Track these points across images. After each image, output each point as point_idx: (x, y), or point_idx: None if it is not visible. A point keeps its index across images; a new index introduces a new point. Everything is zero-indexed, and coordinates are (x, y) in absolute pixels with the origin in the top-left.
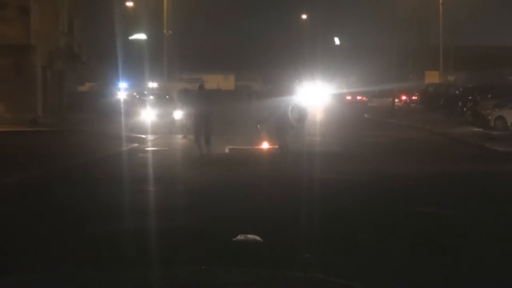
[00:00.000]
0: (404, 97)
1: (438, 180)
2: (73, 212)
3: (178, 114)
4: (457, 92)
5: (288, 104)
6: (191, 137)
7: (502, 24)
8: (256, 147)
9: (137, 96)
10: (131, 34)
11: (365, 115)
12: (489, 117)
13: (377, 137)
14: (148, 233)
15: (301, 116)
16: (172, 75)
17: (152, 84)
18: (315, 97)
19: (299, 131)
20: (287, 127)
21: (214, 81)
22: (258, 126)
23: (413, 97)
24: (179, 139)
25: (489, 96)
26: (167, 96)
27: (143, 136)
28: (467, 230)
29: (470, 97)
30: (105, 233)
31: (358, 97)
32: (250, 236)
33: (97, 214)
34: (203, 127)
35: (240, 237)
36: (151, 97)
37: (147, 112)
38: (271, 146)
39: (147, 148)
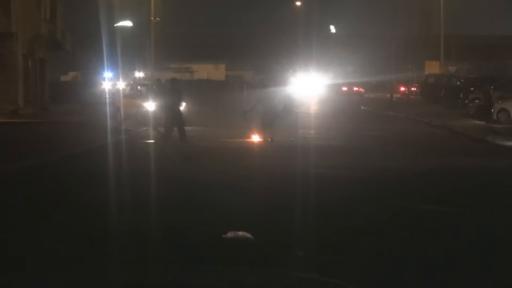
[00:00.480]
0: (403, 89)
1: (436, 175)
2: (56, 209)
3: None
4: (458, 83)
5: (274, 94)
6: (161, 130)
7: (506, 13)
8: (247, 139)
9: (126, 86)
10: (117, 21)
11: (362, 107)
12: (492, 110)
13: (374, 130)
14: (134, 230)
15: (287, 106)
16: (160, 64)
17: (139, 74)
18: (310, 88)
19: (285, 121)
20: (272, 117)
21: (204, 70)
22: (245, 115)
23: (412, 89)
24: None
25: (492, 87)
26: (154, 86)
27: (129, 128)
28: (466, 227)
29: (472, 89)
30: (91, 230)
31: (355, 88)
32: (241, 233)
33: (81, 211)
34: (173, 122)
35: (230, 234)
36: (138, 87)
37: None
38: (261, 139)
39: (133, 141)
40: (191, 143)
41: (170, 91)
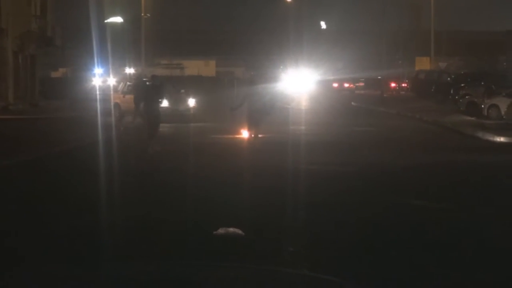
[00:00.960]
0: (393, 84)
1: (427, 171)
2: (47, 204)
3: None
4: (449, 79)
5: (262, 91)
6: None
7: (496, 9)
8: (238, 136)
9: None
10: (107, 17)
11: (353, 103)
12: (482, 106)
13: (364, 126)
14: (125, 227)
15: (273, 103)
16: (150, 60)
17: (129, 70)
18: (301, 84)
19: (270, 117)
20: (260, 116)
21: (194, 66)
22: (232, 112)
23: (403, 84)
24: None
25: (482, 83)
26: (148, 83)
27: (120, 124)
28: (457, 223)
29: (462, 85)
30: (82, 226)
31: (346, 84)
32: (231, 230)
33: (74, 207)
34: (156, 120)
35: (221, 230)
36: (128, 83)
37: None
38: (250, 135)
39: (122, 137)
40: (158, 145)
41: (151, 88)
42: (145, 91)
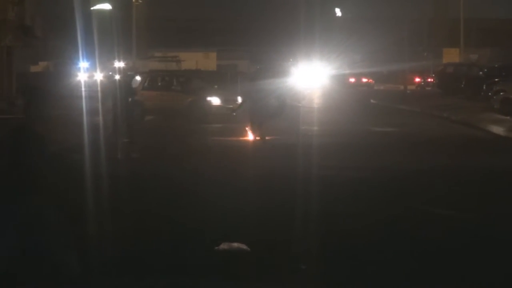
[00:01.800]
0: (418, 79)
1: (455, 177)
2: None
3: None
4: (480, 73)
5: (267, 88)
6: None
7: None
8: (240, 137)
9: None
10: (94, 4)
11: (372, 100)
12: None
13: (384, 126)
14: (117, 238)
15: (280, 104)
16: (143, 53)
17: (119, 64)
18: (313, 79)
19: (279, 118)
20: (264, 116)
21: (193, 59)
22: (234, 113)
23: (429, 79)
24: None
25: None
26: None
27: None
28: (484, 234)
29: (496, 79)
30: (69, 240)
31: (364, 79)
32: (235, 245)
33: (63, 214)
34: (123, 125)
35: (223, 245)
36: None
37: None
38: (254, 137)
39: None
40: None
41: (120, 85)
42: (112, 88)
